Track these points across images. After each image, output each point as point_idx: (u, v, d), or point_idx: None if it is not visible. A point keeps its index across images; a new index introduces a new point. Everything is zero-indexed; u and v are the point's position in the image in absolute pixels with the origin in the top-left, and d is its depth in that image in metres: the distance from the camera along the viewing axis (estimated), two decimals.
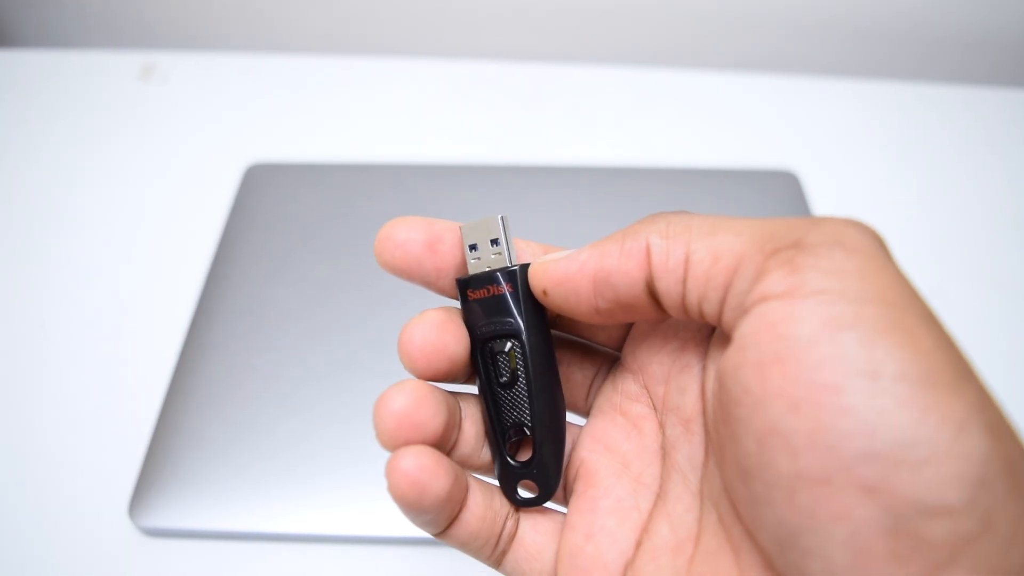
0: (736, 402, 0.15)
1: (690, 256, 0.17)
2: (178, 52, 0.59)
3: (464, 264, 0.21)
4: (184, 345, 0.40)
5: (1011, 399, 0.39)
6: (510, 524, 0.21)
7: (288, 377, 0.38)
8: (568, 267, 0.18)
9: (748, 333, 0.15)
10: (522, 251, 0.21)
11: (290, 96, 0.56)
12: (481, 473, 0.21)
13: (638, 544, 0.19)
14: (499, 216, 0.21)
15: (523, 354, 0.20)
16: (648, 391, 0.21)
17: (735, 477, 0.16)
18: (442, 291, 0.21)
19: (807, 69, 0.62)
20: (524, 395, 0.20)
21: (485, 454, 0.21)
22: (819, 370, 0.14)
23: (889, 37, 0.61)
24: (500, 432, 0.20)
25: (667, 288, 0.17)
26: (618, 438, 0.21)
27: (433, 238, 0.20)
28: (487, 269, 0.20)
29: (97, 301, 0.44)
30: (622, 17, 0.61)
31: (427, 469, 0.18)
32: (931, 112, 0.55)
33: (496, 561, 0.21)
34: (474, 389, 0.21)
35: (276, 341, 0.40)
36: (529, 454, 0.20)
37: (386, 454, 0.18)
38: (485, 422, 0.21)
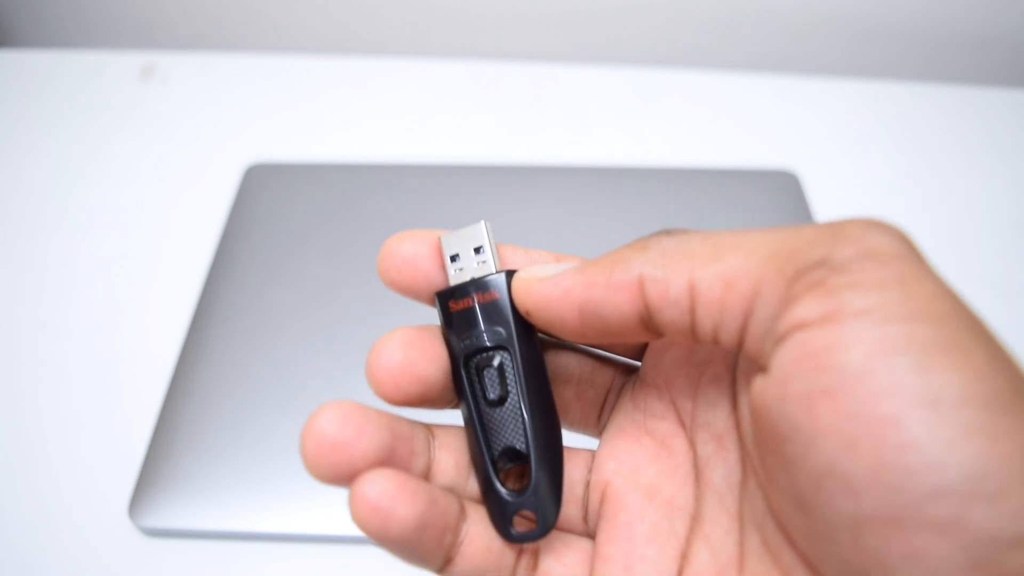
0: (784, 439, 0.14)
1: (695, 285, 0.15)
2: (178, 52, 0.59)
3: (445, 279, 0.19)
4: (184, 345, 0.40)
5: None
6: (526, 556, 0.19)
7: (288, 377, 0.38)
8: (552, 292, 0.17)
9: (788, 364, 0.14)
10: (507, 257, 0.19)
11: (290, 96, 0.56)
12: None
13: (679, 573, 0.18)
14: (482, 222, 0.19)
15: (514, 367, 0.18)
16: (675, 406, 0.19)
17: (790, 509, 0.15)
18: None
19: (807, 69, 0.62)
20: (517, 413, 0.18)
21: (472, 487, 0.19)
22: (875, 403, 0.13)
23: (890, 37, 0.61)
24: (489, 458, 0.18)
25: (671, 320, 0.16)
26: (645, 459, 0.19)
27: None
28: (473, 277, 0.18)
29: (97, 301, 0.44)
30: (622, 17, 0.61)
31: (388, 494, 0.16)
32: (932, 112, 0.55)
33: None
34: (457, 417, 0.19)
35: (276, 341, 0.40)
36: (523, 482, 0.18)
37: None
38: (471, 449, 0.19)
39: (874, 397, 0.13)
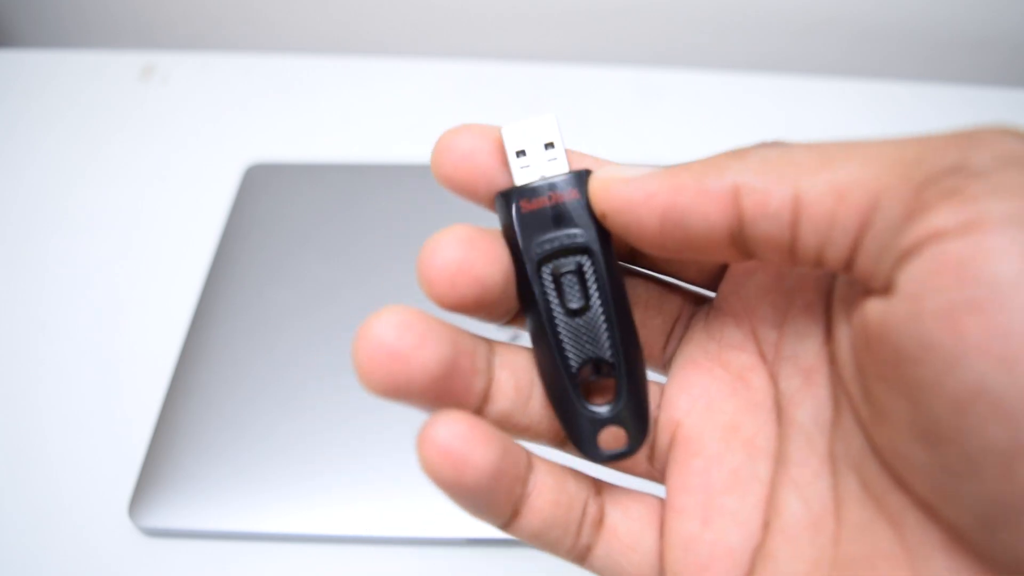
0: (916, 361, 0.12)
1: (801, 196, 0.13)
2: (178, 53, 0.59)
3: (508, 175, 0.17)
4: (184, 345, 0.40)
5: None
6: (592, 509, 0.17)
7: (288, 377, 0.38)
8: (632, 194, 0.15)
9: (922, 278, 0.12)
10: (577, 163, 0.18)
11: (290, 96, 0.56)
12: (528, 438, 0.18)
13: (765, 524, 0.16)
14: (551, 113, 0.18)
15: (598, 271, 0.16)
16: (756, 337, 0.17)
17: (910, 442, 0.13)
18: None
19: (807, 69, 0.62)
20: (602, 321, 0.16)
21: (532, 411, 0.17)
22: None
23: (890, 37, 0.61)
24: (567, 372, 0.16)
25: (767, 235, 0.14)
26: (720, 395, 0.17)
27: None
28: (545, 176, 0.17)
29: (97, 301, 0.44)
30: (622, 17, 0.61)
31: (462, 437, 0.15)
32: (932, 112, 0.55)
33: (580, 556, 0.17)
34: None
35: (276, 341, 0.40)
36: (607, 398, 0.17)
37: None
38: (542, 365, 0.17)
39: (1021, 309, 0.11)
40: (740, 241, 0.14)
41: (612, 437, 0.17)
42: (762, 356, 0.17)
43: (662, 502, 0.17)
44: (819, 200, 0.13)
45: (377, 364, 0.15)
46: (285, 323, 0.41)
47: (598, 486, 0.18)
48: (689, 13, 0.60)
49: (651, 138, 0.53)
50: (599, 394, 0.17)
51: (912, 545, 0.14)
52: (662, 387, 0.18)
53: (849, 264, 0.13)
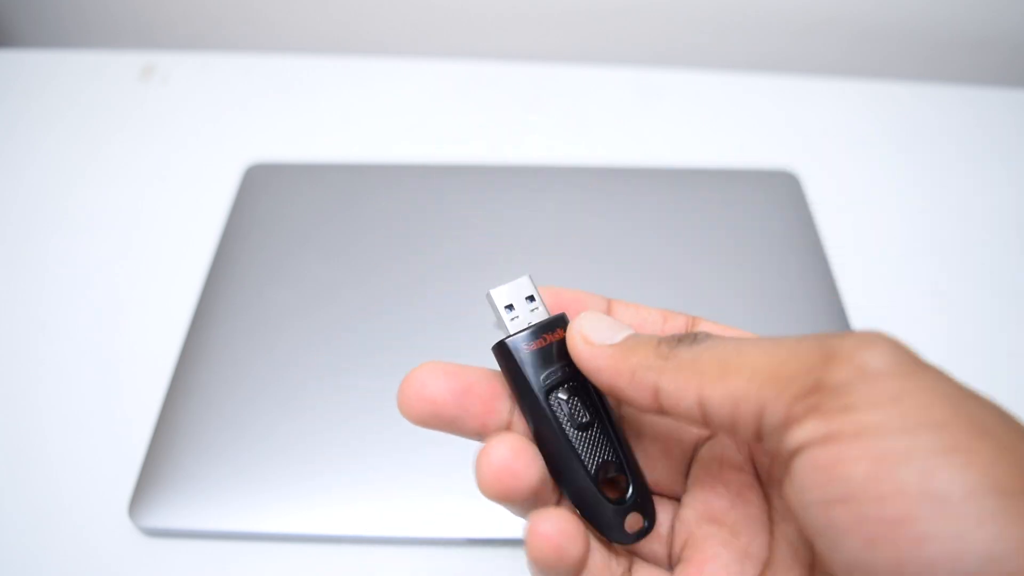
0: (814, 535, 0.15)
1: (704, 403, 0.17)
2: (178, 52, 0.59)
3: (500, 327, 0.21)
4: (184, 345, 0.40)
5: (1012, 400, 0.39)
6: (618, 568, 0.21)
7: (288, 377, 0.38)
8: (590, 362, 0.19)
9: (802, 474, 0.15)
10: (619, 313, 0.22)
11: (290, 96, 0.56)
12: None
13: None
14: (527, 276, 0.21)
15: (597, 392, 0.20)
16: (752, 461, 0.21)
17: None
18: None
19: (807, 69, 0.62)
20: (607, 432, 0.20)
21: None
22: (885, 507, 0.14)
23: (890, 37, 0.61)
24: (589, 476, 0.20)
25: (686, 420, 0.18)
26: (722, 508, 0.21)
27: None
28: (532, 323, 0.21)
29: (97, 301, 0.44)
30: (622, 17, 0.61)
31: (567, 534, 0.18)
32: (932, 112, 0.55)
33: None
34: None
35: (276, 341, 0.40)
36: (619, 492, 0.20)
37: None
38: (565, 474, 0.20)
39: (883, 502, 0.14)
40: (664, 415, 0.18)
41: (633, 521, 0.20)
42: (758, 477, 0.21)
43: None
44: (720, 406, 0.17)
45: (495, 479, 0.18)
46: (285, 323, 0.41)
47: (631, 560, 0.21)
48: (689, 13, 0.60)
49: (651, 138, 0.53)
50: (611, 490, 0.21)
51: None
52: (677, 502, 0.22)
53: (755, 440, 0.17)
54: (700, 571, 0.20)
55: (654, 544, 0.21)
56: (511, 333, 0.21)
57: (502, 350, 0.21)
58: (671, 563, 0.21)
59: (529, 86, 0.57)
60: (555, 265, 0.43)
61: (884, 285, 0.45)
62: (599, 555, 0.20)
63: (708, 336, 0.18)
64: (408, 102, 0.56)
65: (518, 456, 0.18)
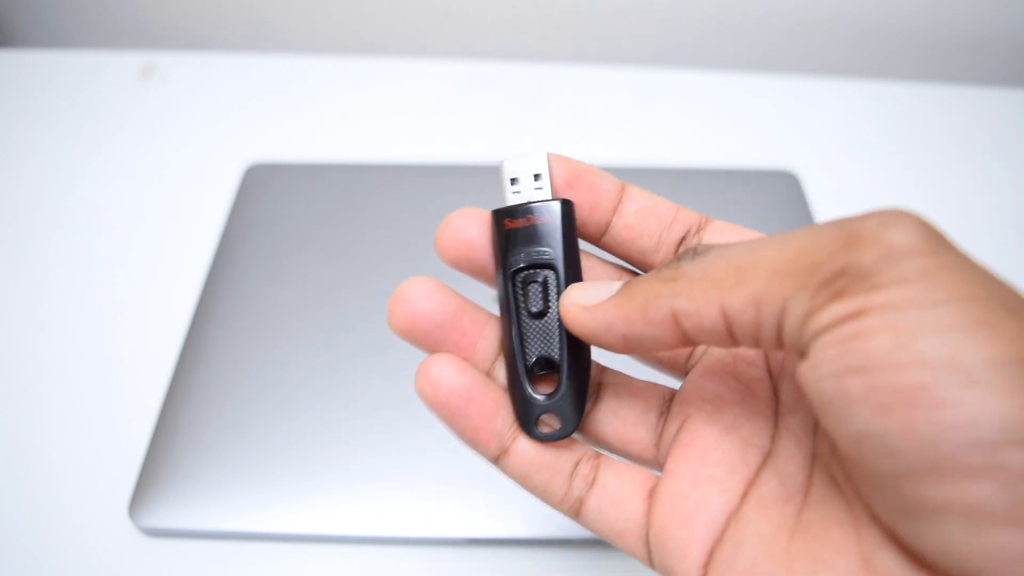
0: (821, 411, 0.15)
1: (727, 311, 0.16)
2: (178, 52, 0.59)
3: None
4: (184, 345, 0.40)
5: None
6: (585, 469, 0.20)
7: (288, 377, 0.38)
8: (595, 324, 0.18)
9: (820, 351, 0.15)
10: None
11: (290, 96, 0.56)
12: None
13: (744, 495, 0.19)
14: (545, 152, 0.21)
15: (559, 285, 0.20)
16: (766, 355, 0.20)
17: (844, 460, 0.16)
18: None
19: (807, 69, 0.62)
20: (554, 327, 0.20)
21: (499, 377, 0.21)
22: (904, 373, 0.13)
23: (890, 37, 0.61)
24: (524, 363, 0.20)
25: (708, 339, 0.17)
26: (730, 400, 0.20)
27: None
28: (528, 200, 0.20)
29: (97, 301, 0.44)
30: (622, 17, 0.61)
31: (444, 364, 0.19)
32: (932, 112, 0.55)
33: (573, 509, 0.20)
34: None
35: (276, 341, 0.40)
36: (552, 390, 0.20)
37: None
38: (505, 349, 0.20)
39: (903, 369, 0.13)
40: (690, 343, 0.17)
41: (549, 420, 0.20)
42: (769, 371, 0.20)
43: (654, 476, 0.21)
44: (742, 312, 0.16)
45: (398, 308, 0.20)
46: (285, 323, 0.41)
47: (596, 453, 0.21)
48: (689, 13, 0.60)
49: (651, 138, 0.53)
50: (543, 386, 0.21)
51: (859, 515, 0.16)
52: (674, 391, 0.22)
53: (777, 345, 0.16)
54: (701, 456, 0.19)
55: (639, 430, 0.21)
56: (506, 206, 0.20)
57: (492, 219, 0.21)
58: (659, 451, 0.21)
59: (529, 86, 0.57)
60: None
61: None
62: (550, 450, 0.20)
63: (711, 247, 0.17)
64: (408, 102, 0.56)
65: (430, 294, 0.20)
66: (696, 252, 0.17)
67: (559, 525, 0.34)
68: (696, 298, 0.16)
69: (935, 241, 0.15)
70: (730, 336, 0.16)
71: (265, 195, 0.47)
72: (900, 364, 0.13)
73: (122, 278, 0.45)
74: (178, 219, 0.48)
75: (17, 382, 0.41)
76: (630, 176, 0.49)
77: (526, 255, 0.20)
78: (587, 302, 0.19)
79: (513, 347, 0.20)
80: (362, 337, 0.40)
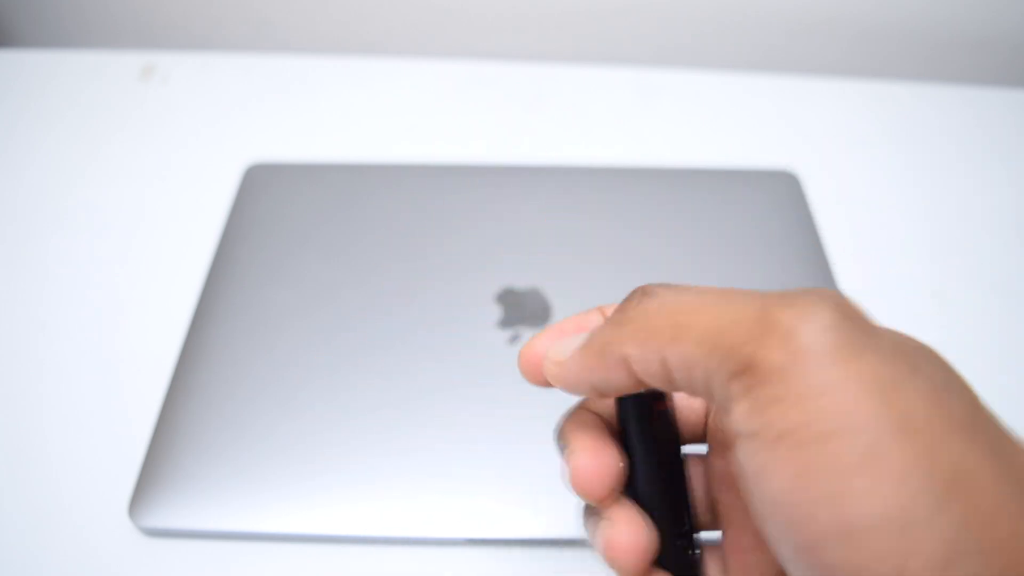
0: (761, 525, 0.16)
1: (666, 363, 0.17)
2: (178, 52, 0.59)
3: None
4: (184, 345, 0.40)
5: (1010, 400, 0.39)
6: None
7: (288, 377, 0.38)
8: (567, 377, 0.20)
9: (742, 469, 0.16)
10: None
11: (290, 96, 0.56)
12: None
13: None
14: None
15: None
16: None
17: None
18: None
19: (807, 69, 0.62)
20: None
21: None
22: (798, 531, 0.14)
23: (890, 37, 0.61)
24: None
25: (659, 384, 0.18)
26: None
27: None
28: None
29: (97, 301, 0.44)
30: (622, 17, 0.61)
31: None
32: (932, 112, 0.55)
33: None
34: None
35: (276, 341, 0.40)
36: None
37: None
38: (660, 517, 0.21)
39: (796, 526, 0.14)
40: (645, 385, 0.18)
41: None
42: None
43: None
44: (677, 368, 0.17)
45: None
46: (285, 323, 0.41)
47: None
48: (689, 13, 0.60)
49: (651, 138, 0.53)
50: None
51: None
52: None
53: (712, 403, 0.18)
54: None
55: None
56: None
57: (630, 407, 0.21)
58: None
59: (529, 86, 0.57)
60: (555, 265, 0.43)
61: (884, 285, 0.45)
62: None
63: (656, 290, 0.18)
64: (408, 102, 0.56)
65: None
66: (644, 293, 0.18)
67: (559, 525, 0.34)
68: (640, 345, 0.17)
69: (845, 341, 0.15)
70: (672, 385, 0.17)
71: (265, 195, 0.47)
72: (794, 521, 0.14)
73: (122, 278, 0.45)
74: (178, 219, 0.48)
75: (17, 382, 0.40)
76: (630, 176, 0.49)
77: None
78: (559, 356, 0.20)
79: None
80: (362, 337, 0.40)
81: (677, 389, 0.18)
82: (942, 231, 0.48)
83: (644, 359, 0.17)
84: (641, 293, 0.18)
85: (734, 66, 0.61)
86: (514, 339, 0.39)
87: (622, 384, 0.18)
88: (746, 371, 0.15)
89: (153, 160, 0.52)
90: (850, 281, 0.44)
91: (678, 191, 0.47)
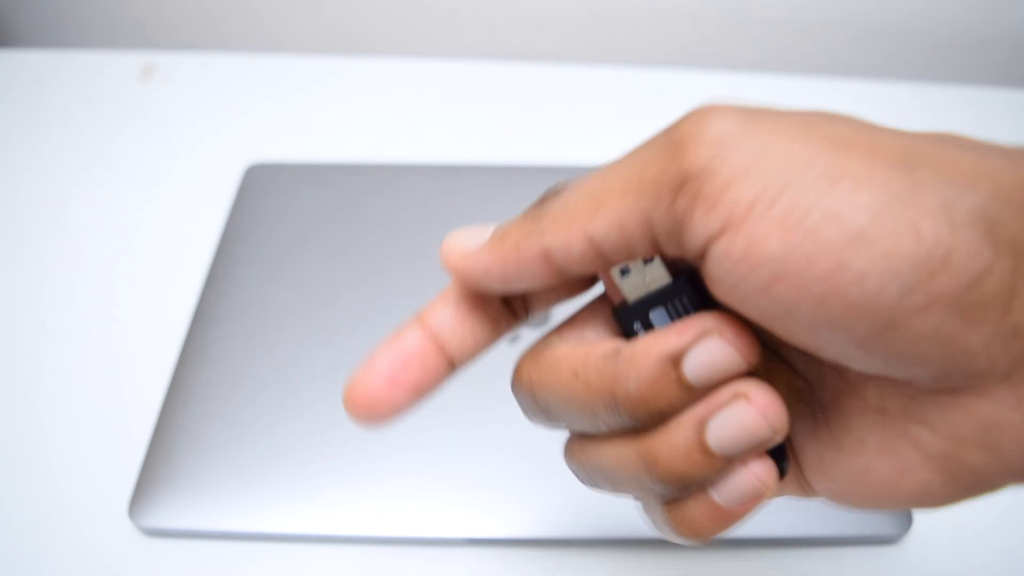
0: (765, 319, 0.16)
1: (593, 238, 0.16)
2: (178, 52, 0.59)
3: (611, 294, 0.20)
4: (184, 345, 0.40)
5: None
6: None
7: (288, 377, 0.38)
8: (474, 268, 0.18)
9: (725, 270, 0.15)
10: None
11: (290, 96, 0.56)
12: None
13: None
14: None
15: None
16: None
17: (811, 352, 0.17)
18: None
19: (807, 69, 0.62)
20: None
21: None
22: (818, 264, 0.14)
23: (890, 37, 0.61)
24: None
25: (583, 268, 0.17)
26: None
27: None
28: (652, 288, 0.18)
29: (97, 301, 0.44)
30: (622, 17, 0.61)
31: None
32: (932, 112, 0.55)
33: None
34: None
35: (276, 341, 0.40)
36: None
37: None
38: None
39: (814, 262, 0.14)
40: (564, 276, 0.18)
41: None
42: None
43: None
44: (607, 236, 0.16)
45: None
46: (285, 323, 0.41)
47: None
48: (689, 13, 0.60)
49: None
50: None
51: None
52: None
53: (654, 252, 0.17)
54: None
55: None
56: (641, 296, 0.18)
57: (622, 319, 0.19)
58: None
59: (529, 86, 0.57)
60: None
61: None
62: None
63: (567, 183, 0.18)
64: (408, 102, 0.56)
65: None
66: (556, 191, 0.18)
67: (559, 525, 0.34)
68: (561, 232, 0.17)
69: (747, 116, 0.15)
70: (601, 259, 0.17)
71: (265, 195, 0.47)
72: (809, 257, 0.14)
73: (122, 278, 0.45)
74: (178, 219, 0.48)
75: (17, 382, 0.40)
76: None
77: None
78: (465, 246, 0.19)
79: None
80: (362, 337, 0.40)
81: (609, 261, 0.17)
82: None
83: (566, 246, 0.17)
84: (553, 191, 0.18)
85: (734, 66, 0.61)
86: (514, 339, 0.39)
87: (542, 278, 0.18)
88: (683, 184, 0.15)
89: (153, 160, 0.52)
90: None
91: None
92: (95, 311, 0.44)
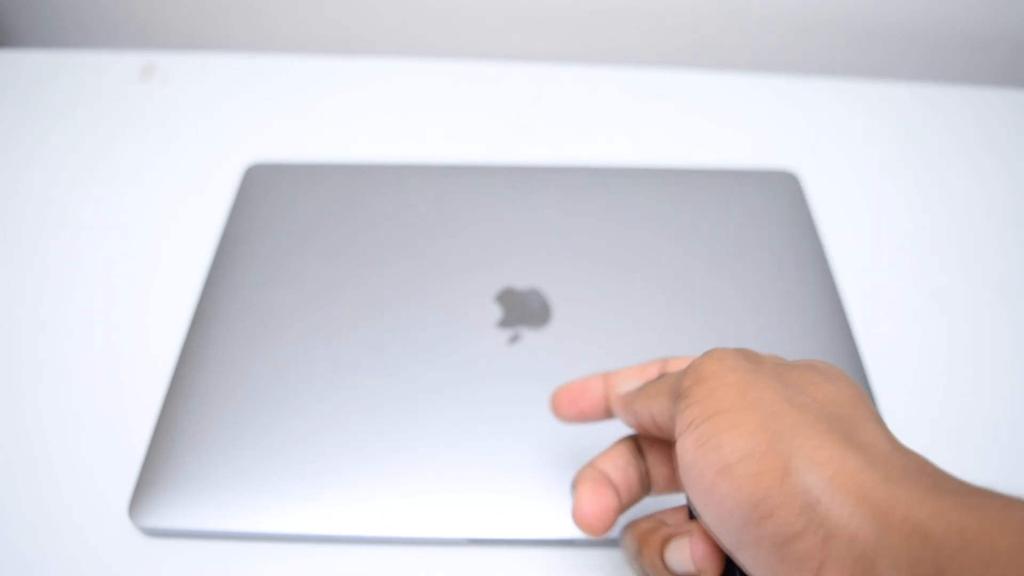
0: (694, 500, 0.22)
1: (653, 415, 0.25)
2: (178, 52, 0.59)
3: None
4: (184, 345, 0.40)
5: (1010, 399, 0.39)
6: None
7: (288, 377, 0.38)
8: (617, 411, 0.28)
9: (680, 451, 0.22)
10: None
11: (290, 96, 0.56)
12: None
13: None
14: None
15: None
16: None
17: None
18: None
19: (807, 69, 0.62)
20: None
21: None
22: (703, 477, 0.21)
23: (890, 37, 0.61)
24: None
25: (650, 430, 0.26)
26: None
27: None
28: None
29: (97, 301, 0.44)
30: (622, 17, 0.61)
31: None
32: (932, 113, 0.55)
33: None
34: None
35: (276, 341, 0.40)
36: None
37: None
38: None
39: (701, 474, 0.21)
40: (644, 428, 0.27)
41: None
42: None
43: None
44: (658, 414, 0.25)
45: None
46: (285, 323, 0.41)
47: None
48: (689, 13, 0.60)
49: (651, 138, 0.53)
50: None
51: None
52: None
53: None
54: None
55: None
56: None
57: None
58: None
59: (529, 86, 0.57)
60: (555, 265, 0.43)
61: (884, 285, 0.45)
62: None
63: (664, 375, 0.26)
64: (408, 102, 0.56)
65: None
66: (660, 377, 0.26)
67: (560, 525, 0.34)
68: (642, 409, 0.26)
69: (729, 366, 0.22)
70: (657, 429, 0.26)
71: (265, 195, 0.47)
72: (699, 471, 0.21)
73: (122, 278, 0.45)
74: (178, 219, 0.48)
75: (17, 382, 0.41)
76: (630, 176, 0.49)
77: None
78: (619, 391, 0.28)
79: None
80: (362, 337, 0.40)
81: (660, 431, 0.25)
82: (942, 231, 0.48)
83: (647, 413, 0.25)
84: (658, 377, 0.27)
85: (734, 66, 0.61)
86: (514, 339, 0.39)
87: (635, 424, 0.27)
88: (680, 397, 0.23)
89: (153, 160, 0.52)
90: (850, 281, 0.44)
91: (678, 191, 0.47)
92: (95, 311, 0.44)
